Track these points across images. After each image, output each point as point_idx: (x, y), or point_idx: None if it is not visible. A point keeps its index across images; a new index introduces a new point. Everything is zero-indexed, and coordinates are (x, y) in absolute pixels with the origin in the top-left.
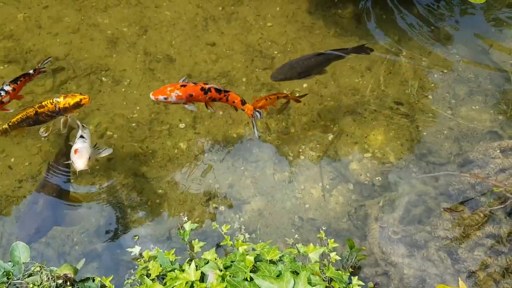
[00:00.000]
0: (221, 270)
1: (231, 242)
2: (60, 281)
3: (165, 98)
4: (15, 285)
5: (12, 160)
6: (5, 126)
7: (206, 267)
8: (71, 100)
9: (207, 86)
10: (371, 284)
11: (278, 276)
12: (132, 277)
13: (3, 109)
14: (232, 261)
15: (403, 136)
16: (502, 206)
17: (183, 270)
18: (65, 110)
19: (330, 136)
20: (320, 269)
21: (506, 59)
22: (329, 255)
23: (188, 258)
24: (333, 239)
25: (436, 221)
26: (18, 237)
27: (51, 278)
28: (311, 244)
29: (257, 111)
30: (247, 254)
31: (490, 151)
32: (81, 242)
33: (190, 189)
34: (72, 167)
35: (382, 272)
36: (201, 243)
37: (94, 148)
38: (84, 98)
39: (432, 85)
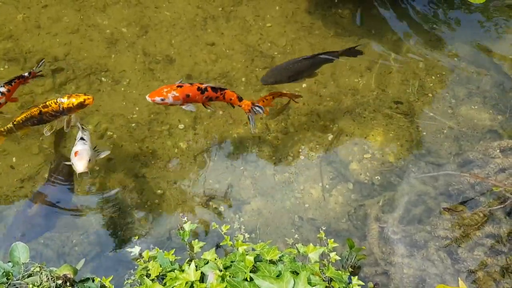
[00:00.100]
0: (221, 270)
1: (231, 242)
2: (59, 282)
3: (162, 100)
4: (14, 285)
5: (14, 160)
6: (10, 125)
7: (206, 267)
8: (75, 100)
9: (203, 86)
10: (371, 284)
11: (278, 276)
12: (132, 277)
13: None
14: (232, 261)
15: (403, 136)
16: (502, 206)
17: (183, 270)
18: (69, 110)
19: (330, 136)
20: (320, 269)
21: (505, 59)
22: (329, 255)
23: (188, 258)
24: (333, 239)
25: (436, 221)
26: (3, 238)
27: (51, 279)
28: (311, 244)
29: (258, 106)
30: (247, 254)
31: (490, 150)
32: (80, 242)
33: (190, 189)
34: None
35: (382, 272)
36: (201, 243)
37: (94, 150)
38: (88, 99)
39: (432, 84)
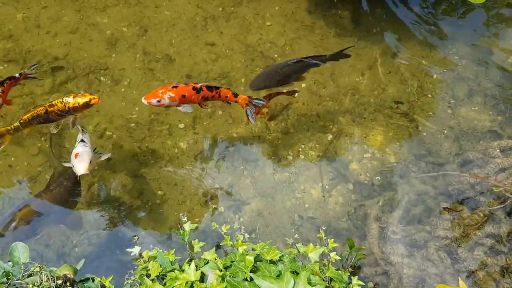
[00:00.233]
0: (221, 270)
1: (231, 242)
2: (59, 282)
3: (158, 101)
4: (14, 285)
5: (13, 159)
6: (17, 124)
7: (206, 267)
8: (80, 100)
9: (198, 85)
10: (371, 284)
11: (278, 276)
12: (132, 277)
13: None
14: (232, 261)
15: (403, 136)
16: (502, 205)
17: (183, 270)
18: (74, 110)
19: (330, 136)
20: (320, 269)
21: (505, 59)
22: (329, 255)
23: (188, 258)
24: (333, 239)
25: (436, 221)
26: None
27: (51, 279)
28: (311, 244)
29: (257, 98)
30: (247, 254)
31: (489, 150)
32: (80, 242)
33: (190, 189)
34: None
35: (382, 271)
36: (201, 243)
37: (94, 152)
38: (94, 98)
39: (432, 84)
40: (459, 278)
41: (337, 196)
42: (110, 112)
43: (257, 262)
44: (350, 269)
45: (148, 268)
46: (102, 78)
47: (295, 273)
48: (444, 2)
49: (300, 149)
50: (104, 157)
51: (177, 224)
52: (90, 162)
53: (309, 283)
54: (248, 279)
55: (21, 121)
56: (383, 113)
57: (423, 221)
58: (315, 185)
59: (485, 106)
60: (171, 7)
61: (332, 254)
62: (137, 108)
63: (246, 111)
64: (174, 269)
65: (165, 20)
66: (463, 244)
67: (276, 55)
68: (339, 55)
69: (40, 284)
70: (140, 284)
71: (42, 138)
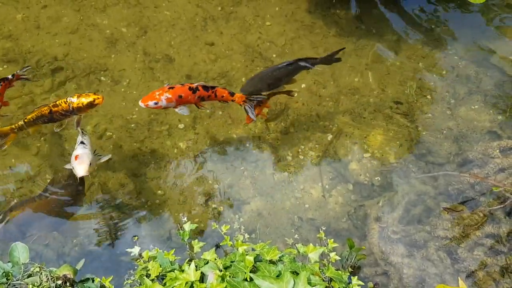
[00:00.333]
0: (221, 270)
1: (231, 243)
2: (59, 282)
3: (156, 103)
4: (14, 285)
5: (12, 160)
6: (21, 123)
7: (206, 267)
8: (84, 100)
9: (194, 85)
10: (370, 284)
11: (278, 276)
12: (132, 278)
13: None
14: (232, 261)
15: (403, 136)
16: (502, 206)
17: (182, 271)
18: (78, 110)
19: (329, 136)
20: (320, 269)
21: (505, 59)
22: (329, 255)
23: (188, 259)
24: (332, 239)
25: (436, 221)
26: None
27: (51, 279)
28: (311, 244)
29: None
30: (246, 254)
31: (489, 150)
32: (80, 243)
33: (190, 189)
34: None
35: (382, 272)
36: (201, 243)
37: (94, 154)
38: (98, 98)
39: (431, 85)
40: (459, 278)
41: (337, 196)
42: (110, 112)
43: (257, 262)
44: (350, 269)
45: (148, 268)
46: (102, 78)
47: (295, 273)
48: (443, 2)
49: (300, 149)
50: (104, 159)
51: (177, 224)
52: (90, 164)
53: (309, 283)
54: (248, 279)
55: (25, 121)
56: (383, 113)
57: (423, 221)
58: (315, 185)
59: (484, 106)
60: (171, 7)
61: (332, 254)
62: (137, 109)
63: (244, 108)
64: (174, 269)
65: (164, 20)
66: (463, 244)
67: (275, 55)
68: (330, 59)
69: (40, 285)
70: (140, 284)
71: (42, 138)
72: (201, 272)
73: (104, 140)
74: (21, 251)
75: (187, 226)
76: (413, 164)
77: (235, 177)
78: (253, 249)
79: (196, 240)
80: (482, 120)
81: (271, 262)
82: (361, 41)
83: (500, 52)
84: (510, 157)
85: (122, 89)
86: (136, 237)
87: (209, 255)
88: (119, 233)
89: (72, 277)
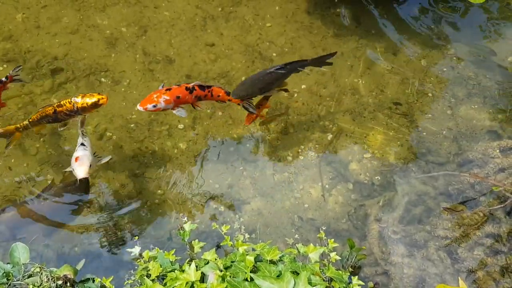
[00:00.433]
0: (221, 271)
1: (231, 243)
2: (60, 282)
3: (154, 106)
4: (14, 286)
5: (12, 160)
6: (26, 122)
7: (206, 268)
8: (89, 100)
9: (190, 85)
10: (371, 283)
11: (278, 276)
12: (132, 278)
13: None
14: (232, 262)
15: (403, 136)
16: (502, 205)
17: (183, 271)
18: (83, 110)
19: (330, 136)
20: (320, 269)
21: (505, 59)
22: (329, 255)
23: (188, 259)
24: (333, 239)
25: (436, 221)
26: None
27: (51, 279)
28: (311, 244)
29: None
30: (247, 254)
31: (489, 150)
32: (80, 243)
33: (190, 189)
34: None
35: (382, 271)
36: (201, 244)
37: (94, 155)
38: (102, 98)
39: (431, 84)
40: (459, 278)
41: (337, 196)
42: (110, 112)
43: (258, 262)
44: (350, 269)
45: (148, 268)
46: (102, 79)
47: (295, 273)
48: (444, 2)
49: (300, 149)
50: (104, 160)
51: (177, 224)
52: (90, 165)
53: (310, 283)
54: (249, 279)
55: (30, 120)
56: (383, 113)
57: (423, 221)
58: (315, 185)
59: (484, 106)
60: (171, 8)
61: (332, 254)
62: (136, 109)
63: (243, 106)
64: (175, 269)
65: (164, 20)
66: (463, 244)
67: (275, 54)
68: (321, 61)
69: (40, 285)
70: (140, 284)
71: (41, 139)
72: (202, 272)
73: (104, 140)
74: (21, 251)
75: (187, 226)
76: (413, 164)
77: (235, 177)
78: (253, 249)
79: (197, 240)
80: (482, 120)
81: (272, 262)
82: (361, 41)
83: (500, 52)
84: (510, 157)
85: (122, 89)
86: (137, 237)
87: (210, 255)
88: (119, 233)
89: (72, 277)
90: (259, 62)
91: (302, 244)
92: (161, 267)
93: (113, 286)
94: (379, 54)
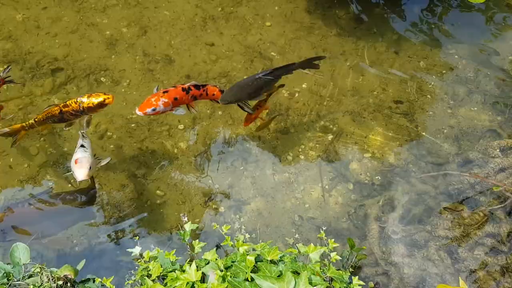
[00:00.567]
0: (222, 271)
1: (232, 243)
2: (60, 282)
3: (154, 109)
4: (15, 286)
5: (12, 160)
6: (31, 121)
7: (206, 268)
8: (95, 100)
9: (186, 86)
10: (371, 283)
11: (279, 276)
12: (133, 278)
13: None
14: (232, 262)
15: (403, 135)
16: (502, 205)
17: (183, 271)
18: (89, 110)
19: (330, 136)
20: (320, 269)
21: (505, 58)
22: (330, 255)
23: (189, 259)
24: (333, 239)
25: (436, 221)
26: None
27: (52, 279)
28: (312, 244)
29: None
30: (247, 254)
31: (489, 150)
32: (81, 243)
33: (190, 189)
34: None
35: (382, 271)
36: (202, 244)
37: (94, 157)
38: (108, 98)
39: (431, 84)
40: (460, 277)
41: (337, 196)
42: (110, 112)
43: (258, 262)
44: (351, 269)
45: (149, 269)
46: (102, 79)
47: (296, 273)
48: (444, 2)
49: (300, 149)
50: (104, 162)
51: (177, 225)
52: (90, 168)
53: (310, 283)
54: (249, 279)
55: (36, 120)
56: (383, 113)
57: (423, 220)
58: (315, 185)
59: (484, 105)
60: (171, 8)
61: (333, 254)
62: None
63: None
64: (175, 269)
65: (164, 20)
66: (463, 243)
67: (274, 54)
68: (308, 64)
69: (41, 285)
70: (141, 285)
71: (41, 139)
72: (202, 272)
73: (104, 140)
74: (22, 251)
75: (188, 226)
76: (413, 164)
77: (235, 177)
78: (253, 249)
79: (197, 240)
80: (482, 120)
81: (272, 262)
82: (361, 41)
83: (500, 52)
84: (510, 157)
85: (123, 90)
86: (137, 237)
87: (210, 255)
88: (119, 233)
89: (73, 277)
90: (259, 62)
91: (303, 244)
92: (161, 267)
93: (114, 286)
94: (379, 54)
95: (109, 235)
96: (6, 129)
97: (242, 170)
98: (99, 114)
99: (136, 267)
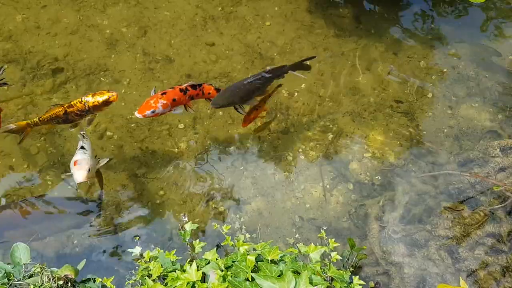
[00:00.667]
0: (222, 270)
1: (232, 242)
2: (61, 282)
3: (153, 112)
4: (15, 286)
5: (13, 160)
6: (36, 119)
7: (207, 267)
8: (100, 98)
9: (183, 86)
10: (372, 283)
11: (279, 276)
12: (133, 278)
13: None
14: (233, 261)
15: (403, 135)
16: (502, 205)
17: (184, 271)
18: (94, 108)
19: (330, 136)
20: (321, 268)
21: (505, 58)
22: (330, 255)
23: (189, 259)
24: (333, 239)
25: (437, 220)
26: None
27: (52, 279)
28: (312, 244)
29: None
30: (248, 254)
31: (490, 150)
32: (81, 243)
33: (190, 189)
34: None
35: (383, 271)
36: (202, 243)
37: (95, 158)
38: (112, 95)
39: (432, 84)
40: (460, 277)
41: (337, 196)
42: (110, 112)
43: (258, 262)
44: (351, 269)
45: (149, 269)
46: (102, 79)
47: (297, 273)
48: (444, 2)
49: (300, 149)
50: (104, 162)
51: (177, 225)
52: (89, 170)
53: (311, 282)
54: (250, 279)
55: (40, 119)
56: (383, 112)
57: (423, 220)
58: (316, 185)
59: (484, 105)
60: (171, 8)
61: (333, 254)
62: (137, 108)
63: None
64: (175, 269)
65: (164, 20)
66: (463, 243)
67: (275, 54)
68: (300, 66)
69: (41, 285)
70: (141, 285)
71: (42, 138)
72: (203, 272)
73: (104, 140)
74: (22, 251)
75: (188, 226)
76: (413, 164)
77: (235, 177)
78: (254, 249)
79: (197, 240)
80: (482, 120)
81: (273, 261)
82: (361, 41)
83: (500, 51)
84: (510, 156)
85: (123, 90)
86: (137, 237)
87: (211, 255)
88: (120, 233)
89: (73, 277)
90: (259, 61)
91: (303, 244)
92: (162, 267)
93: (114, 286)
94: (379, 54)
95: (109, 235)
96: (12, 125)
97: (242, 170)
98: (99, 114)
99: (137, 267)
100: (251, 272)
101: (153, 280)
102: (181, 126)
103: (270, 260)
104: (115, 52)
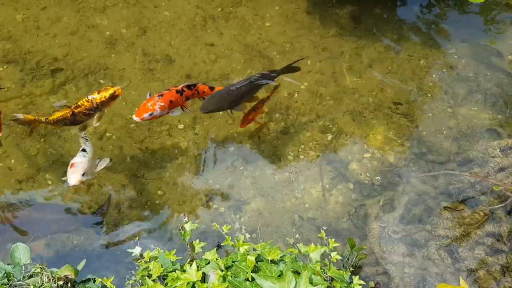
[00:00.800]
0: (222, 270)
1: (232, 243)
2: (61, 282)
3: (151, 114)
4: (15, 286)
5: (12, 161)
6: (43, 119)
7: (207, 268)
8: (106, 94)
9: (179, 87)
10: (372, 283)
11: (279, 276)
12: (133, 278)
13: None
14: (233, 261)
15: (403, 135)
16: (502, 205)
17: (184, 271)
18: (102, 105)
19: (330, 136)
20: (321, 268)
21: (505, 58)
22: (330, 255)
23: (189, 259)
24: (333, 239)
25: (436, 220)
26: None
27: (52, 280)
28: (312, 244)
29: None
30: (248, 254)
31: (489, 150)
32: (81, 243)
33: (190, 189)
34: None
35: (383, 271)
36: (202, 244)
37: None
38: (118, 89)
39: (431, 84)
40: (460, 277)
41: (337, 196)
42: (110, 112)
43: (259, 262)
44: (351, 269)
45: (149, 269)
46: (101, 79)
47: (297, 273)
48: (443, 2)
49: (300, 149)
50: (103, 165)
51: (177, 225)
52: (84, 174)
53: (311, 282)
54: (250, 279)
55: (47, 119)
56: (383, 112)
57: (423, 220)
58: (316, 185)
59: (484, 105)
60: (171, 8)
61: (333, 254)
62: (137, 108)
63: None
64: (175, 269)
65: (164, 20)
66: (463, 243)
67: (275, 53)
68: (290, 68)
69: (41, 285)
70: (142, 285)
71: (41, 139)
72: (203, 272)
73: (104, 140)
74: (22, 252)
75: (188, 226)
76: (413, 164)
77: (235, 177)
78: (254, 249)
79: (197, 240)
80: (482, 119)
81: (273, 262)
82: (361, 41)
83: (500, 51)
84: (510, 156)
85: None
86: (137, 238)
87: (211, 255)
88: (120, 233)
89: (73, 277)
90: (258, 61)
91: (303, 244)
92: (162, 267)
93: (114, 286)
94: (379, 53)
95: (109, 236)
96: (20, 115)
97: (242, 170)
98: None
99: (136, 267)
100: (251, 272)
101: (153, 280)
102: (180, 126)
103: (270, 260)
104: (114, 52)
